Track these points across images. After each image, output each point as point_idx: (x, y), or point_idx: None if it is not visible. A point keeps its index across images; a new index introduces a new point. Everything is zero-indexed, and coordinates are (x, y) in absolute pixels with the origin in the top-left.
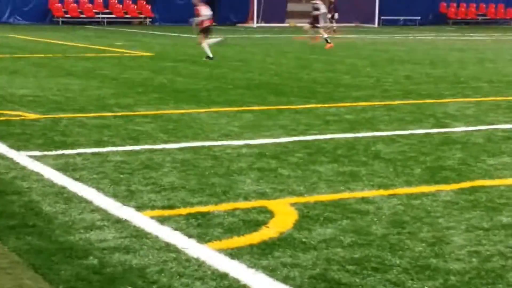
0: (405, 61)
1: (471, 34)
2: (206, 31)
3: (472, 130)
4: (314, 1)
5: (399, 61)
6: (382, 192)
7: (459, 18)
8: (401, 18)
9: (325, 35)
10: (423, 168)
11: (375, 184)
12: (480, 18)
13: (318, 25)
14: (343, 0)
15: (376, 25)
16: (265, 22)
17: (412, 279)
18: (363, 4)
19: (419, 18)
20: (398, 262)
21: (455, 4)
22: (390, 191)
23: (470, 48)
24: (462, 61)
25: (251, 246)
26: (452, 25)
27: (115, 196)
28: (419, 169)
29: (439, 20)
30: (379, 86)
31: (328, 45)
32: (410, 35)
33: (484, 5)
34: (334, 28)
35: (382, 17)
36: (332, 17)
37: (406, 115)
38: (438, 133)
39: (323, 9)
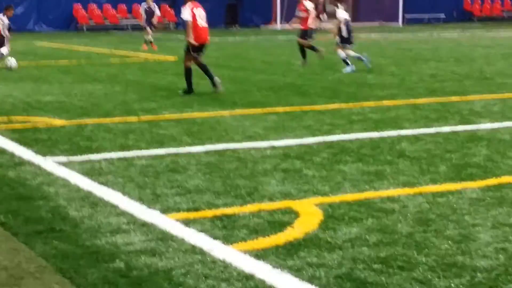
0: (429, 59)
1: (497, 30)
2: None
3: (498, 127)
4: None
5: (423, 59)
6: (407, 190)
7: (484, 14)
8: (425, 16)
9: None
10: (448, 165)
11: (400, 182)
12: (505, 14)
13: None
14: None
15: (400, 23)
16: (293, 23)
17: (438, 277)
18: (386, 3)
19: (444, 15)
20: (424, 260)
21: (479, 1)
22: (416, 189)
23: (496, 44)
24: (488, 58)
25: (277, 246)
26: (477, 22)
27: (140, 199)
28: (445, 167)
29: (464, 17)
30: (403, 84)
31: (145, 47)
32: (434, 32)
33: (509, 1)
34: (322, 27)
35: (406, 15)
36: (318, 17)
37: (431, 113)
38: (464, 130)
39: (157, 11)
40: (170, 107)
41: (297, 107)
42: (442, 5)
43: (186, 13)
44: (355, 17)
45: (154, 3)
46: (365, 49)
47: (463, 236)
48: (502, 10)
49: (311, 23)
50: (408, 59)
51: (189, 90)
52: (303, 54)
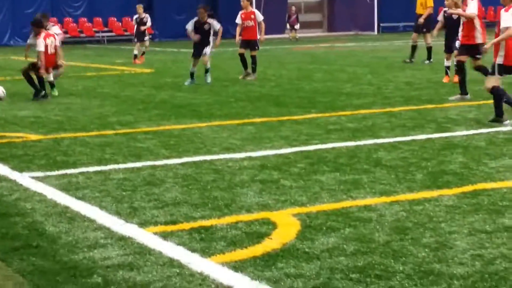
0: (405, 67)
1: None
2: None
3: (474, 134)
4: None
5: (399, 68)
6: (384, 199)
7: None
8: (401, 24)
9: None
10: (424, 173)
11: (377, 191)
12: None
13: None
14: (341, 8)
15: (375, 32)
16: (265, 34)
17: (415, 285)
18: (361, 12)
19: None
20: (401, 268)
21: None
22: (392, 198)
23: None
24: None
25: (255, 258)
26: None
27: (118, 213)
28: (421, 175)
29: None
30: (379, 93)
31: (142, 58)
32: (409, 41)
33: (483, 8)
34: (297, 37)
35: (381, 24)
36: (293, 27)
37: (407, 121)
38: (440, 138)
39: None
40: (147, 120)
41: (274, 117)
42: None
43: (41, 44)
44: (330, 27)
45: (147, 14)
46: (342, 58)
47: (439, 244)
48: None
49: (261, 35)
50: (384, 67)
51: (36, 90)
52: (247, 68)
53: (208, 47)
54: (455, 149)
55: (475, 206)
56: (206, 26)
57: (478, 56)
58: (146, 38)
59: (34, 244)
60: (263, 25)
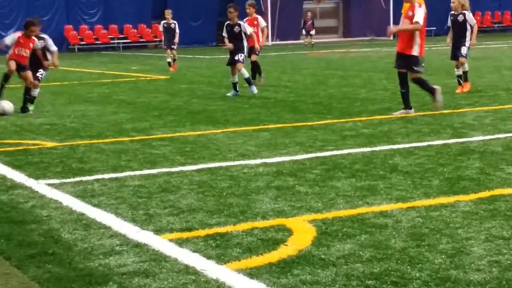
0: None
1: (487, 42)
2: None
3: (490, 139)
4: None
5: None
6: (400, 205)
7: None
8: None
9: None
10: (441, 179)
11: (393, 197)
12: (496, 25)
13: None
14: (357, 14)
15: (391, 37)
16: (280, 40)
17: None
18: (377, 17)
19: (434, 28)
20: (418, 275)
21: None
22: (409, 204)
23: (487, 57)
24: (479, 70)
25: (270, 265)
26: None
27: (133, 220)
28: (437, 181)
29: None
30: (395, 98)
31: (171, 68)
32: (425, 46)
33: (500, 13)
34: (312, 42)
35: None
36: (308, 33)
37: (423, 126)
38: (456, 143)
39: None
40: (162, 127)
41: (289, 123)
42: (433, 18)
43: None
44: (346, 32)
45: (175, 21)
46: (358, 64)
47: (456, 250)
48: (492, 22)
49: (262, 41)
50: None
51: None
52: (259, 71)
53: (240, 53)
54: (472, 155)
55: (492, 212)
56: (236, 29)
57: (416, 68)
58: (174, 46)
59: (50, 252)
60: (265, 31)
